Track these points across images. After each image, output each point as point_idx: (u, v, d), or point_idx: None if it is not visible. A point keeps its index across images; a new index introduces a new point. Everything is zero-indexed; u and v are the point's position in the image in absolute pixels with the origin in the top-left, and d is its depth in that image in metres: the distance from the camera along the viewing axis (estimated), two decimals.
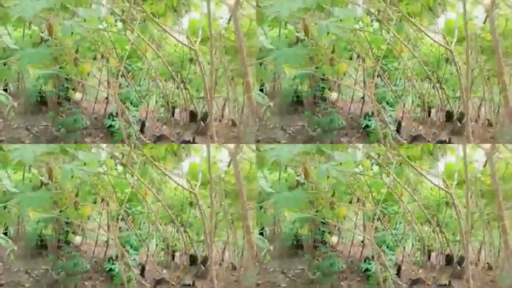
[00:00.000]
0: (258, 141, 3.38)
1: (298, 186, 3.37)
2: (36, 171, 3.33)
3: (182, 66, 3.47)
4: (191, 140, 3.42)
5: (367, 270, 3.38)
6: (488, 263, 3.37)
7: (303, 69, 3.38)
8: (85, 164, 3.24)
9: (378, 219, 3.36)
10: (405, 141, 3.41)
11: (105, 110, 3.41)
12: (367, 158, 3.36)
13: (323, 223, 3.38)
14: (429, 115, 3.48)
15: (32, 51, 3.15)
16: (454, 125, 3.45)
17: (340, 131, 3.42)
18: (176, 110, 3.49)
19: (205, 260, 3.39)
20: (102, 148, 3.35)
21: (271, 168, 3.38)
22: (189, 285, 3.37)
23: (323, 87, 3.44)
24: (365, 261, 3.40)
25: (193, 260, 3.42)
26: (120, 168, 3.37)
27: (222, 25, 3.44)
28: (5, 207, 3.23)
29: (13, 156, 3.14)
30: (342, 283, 3.37)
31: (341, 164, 3.25)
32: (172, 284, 3.37)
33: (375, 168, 3.39)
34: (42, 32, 3.33)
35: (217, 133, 3.41)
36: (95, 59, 3.39)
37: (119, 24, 3.40)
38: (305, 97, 3.45)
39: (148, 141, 3.39)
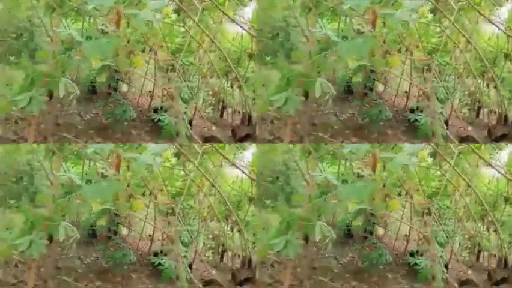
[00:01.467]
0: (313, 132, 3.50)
1: (359, 178, 3.45)
2: (97, 164, 3.43)
3: (239, 62, 3.52)
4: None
5: (415, 264, 3.43)
6: None
7: (362, 61, 3.46)
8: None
9: (429, 213, 3.43)
10: (455, 142, 3.44)
11: (149, 104, 3.50)
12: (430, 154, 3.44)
13: (372, 214, 3.46)
14: (477, 115, 3.50)
15: (97, 43, 3.33)
16: (509, 128, 3.46)
17: (386, 123, 3.50)
18: (228, 110, 3.54)
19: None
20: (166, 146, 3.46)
21: (330, 161, 3.45)
22: None
23: (374, 79, 3.51)
24: (412, 255, 3.46)
25: (244, 262, 3.48)
26: (173, 160, 3.46)
27: None
28: (68, 199, 3.38)
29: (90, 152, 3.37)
30: (388, 275, 3.47)
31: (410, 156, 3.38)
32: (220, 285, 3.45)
33: (429, 160, 3.45)
34: (102, 24, 3.45)
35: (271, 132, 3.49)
36: (143, 51, 3.48)
37: (173, 16, 3.48)
38: (355, 87, 3.53)
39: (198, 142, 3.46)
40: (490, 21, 3.40)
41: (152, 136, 3.47)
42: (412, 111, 3.50)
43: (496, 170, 3.40)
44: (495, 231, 3.42)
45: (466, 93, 3.49)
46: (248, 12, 3.52)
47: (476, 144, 3.47)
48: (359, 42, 3.37)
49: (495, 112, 3.47)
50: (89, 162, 3.42)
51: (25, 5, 3.36)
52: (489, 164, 3.41)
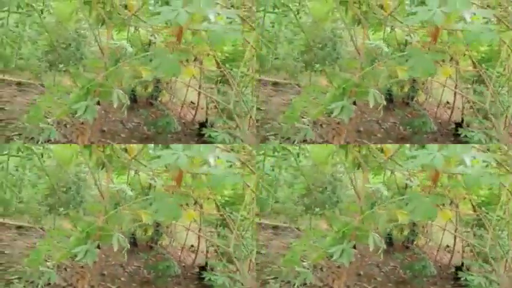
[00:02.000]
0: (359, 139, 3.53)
1: (407, 188, 3.46)
2: (141, 174, 3.46)
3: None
4: None
5: (465, 280, 3.41)
6: None
7: (412, 72, 3.46)
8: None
9: (479, 224, 3.40)
10: None
11: (194, 116, 3.49)
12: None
13: (414, 224, 3.47)
14: None
15: (164, 59, 3.41)
16: None
17: (430, 135, 3.50)
18: None
19: None
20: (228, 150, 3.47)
21: (375, 172, 3.47)
22: None
23: (417, 89, 3.51)
24: (459, 269, 3.43)
25: None
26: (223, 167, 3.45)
27: None
28: (116, 211, 3.43)
29: (165, 161, 3.43)
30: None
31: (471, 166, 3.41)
32: None
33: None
34: (151, 35, 3.48)
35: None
36: (187, 61, 3.50)
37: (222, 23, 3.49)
38: (395, 96, 3.54)
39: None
40: None
41: None
42: (458, 124, 3.48)
43: None
44: None
45: None
46: None
47: None
48: (415, 53, 3.42)
49: None
50: (134, 173, 3.45)
51: (76, 17, 3.47)
52: None
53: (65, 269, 3.45)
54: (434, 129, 3.49)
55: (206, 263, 3.43)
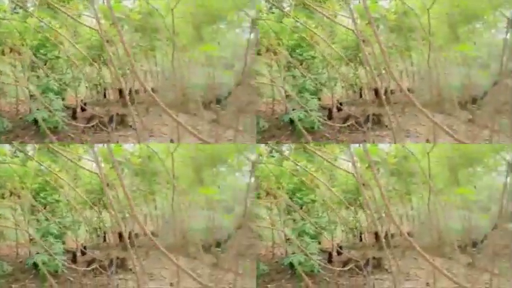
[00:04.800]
0: None
1: None
2: None
3: (102, 48, 3.57)
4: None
5: (292, 265, 3.59)
6: (408, 233, 3.60)
7: None
8: None
9: (293, 211, 3.60)
10: (338, 125, 3.63)
11: (30, 108, 3.53)
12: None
13: None
14: (360, 96, 3.69)
15: None
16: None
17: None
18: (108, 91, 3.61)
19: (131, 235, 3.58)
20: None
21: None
22: (117, 258, 3.57)
23: None
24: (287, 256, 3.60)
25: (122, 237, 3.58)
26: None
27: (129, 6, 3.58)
28: None
29: None
30: (268, 286, 3.58)
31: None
32: (101, 261, 3.54)
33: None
34: None
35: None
36: (3, 54, 3.49)
37: (20, 13, 3.49)
38: None
39: (80, 125, 3.53)
40: (332, 20, 3.65)
41: (38, 138, 3.51)
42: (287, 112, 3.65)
43: (336, 166, 3.61)
44: (365, 212, 3.62)
45: (345, 79, 3.68)
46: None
47: (326, 142, 3.64)
48: None
49: (372, 89, 3.66)
50: None
51: None
52: (331, 163, 3.61)
53: None
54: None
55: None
